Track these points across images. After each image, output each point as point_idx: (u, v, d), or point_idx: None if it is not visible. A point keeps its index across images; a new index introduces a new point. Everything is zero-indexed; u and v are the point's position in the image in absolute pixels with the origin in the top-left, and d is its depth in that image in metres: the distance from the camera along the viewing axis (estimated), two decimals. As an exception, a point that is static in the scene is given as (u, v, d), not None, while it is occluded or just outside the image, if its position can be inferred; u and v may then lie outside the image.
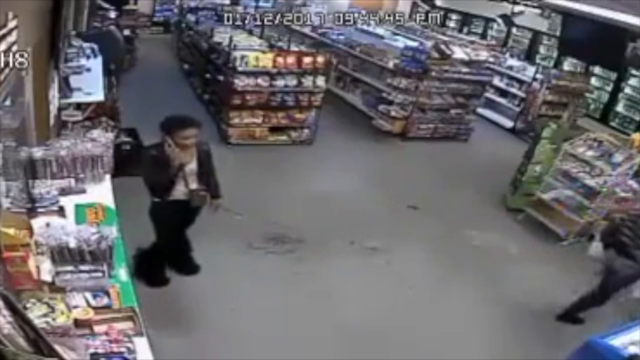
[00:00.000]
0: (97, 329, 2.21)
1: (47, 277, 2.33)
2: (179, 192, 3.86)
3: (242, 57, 7.19)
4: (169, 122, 3.74)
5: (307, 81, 7.48)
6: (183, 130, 3.69)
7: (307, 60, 7.48)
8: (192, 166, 3.85)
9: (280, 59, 7.34)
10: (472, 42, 11.31)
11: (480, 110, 9.83)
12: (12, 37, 2.63)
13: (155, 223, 3.99)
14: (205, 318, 3.95)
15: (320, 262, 4.84)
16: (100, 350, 2.08)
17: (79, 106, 4.98)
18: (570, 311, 4.46)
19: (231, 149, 7.30)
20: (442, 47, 8.57)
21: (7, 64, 2.47)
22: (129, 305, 2.38)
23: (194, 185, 3.88)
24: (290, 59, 7.40)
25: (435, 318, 4.31)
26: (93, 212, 3.04)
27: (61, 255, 2.41)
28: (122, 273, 2.59)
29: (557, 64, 11.72)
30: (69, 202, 3.13)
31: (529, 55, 12.43)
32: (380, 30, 10.73)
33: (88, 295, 2.37)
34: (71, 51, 4.73)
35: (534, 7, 12.17)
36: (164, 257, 4.25)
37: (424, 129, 8.75)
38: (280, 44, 8.20)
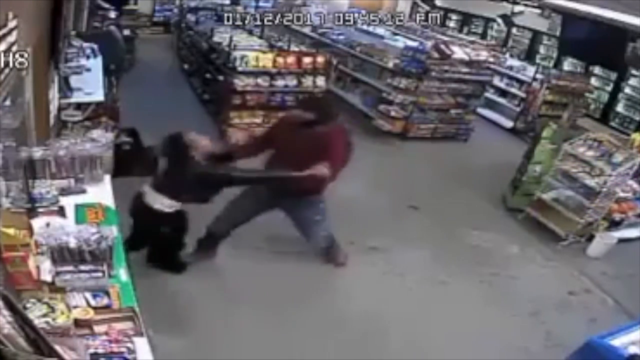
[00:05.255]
0: (97, 329, 2.20)
1: (47, 277, 2.32)
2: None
3: (242, 57, 7.17)
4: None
5: (307, 81, 7.46)
6: None
7: (307, 60, 7.46)
8: None
9: (280, 59, 7.33)
10: (472, 42, 11.29)
11: (480, 110, 9.82)
12: (12, 37, 2.63)
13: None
14: (206, 318, 3.94)
15: (320, 262, 4.83)
16: (100, 350, 2.07)
17: (79, 106, 4.97)
18: None
19: (231, 149, 7.29)
20: (442, 47, 8.56)
21: (7, 64, 2.46)
22: (129, 305, 2.38)
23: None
24: (290, 59, 7.38)
25: (435, 318, 4.31)
26: (93, 212, 3.04)
27: (61, 255, 2.41)
28: (122, 273, 2.58)
29: (557, 64, 11.73)
30: (69, 202, 3.13)
31: (529, 55, 12.44)
32: (380, 30, 10.72)
33: (88, 295, 2.37)
34: (71, 51, 4.71)
35: (534, 7, 12.19)
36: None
37: (424, 129, 8.74)
38: (280, 44, 8.18)
